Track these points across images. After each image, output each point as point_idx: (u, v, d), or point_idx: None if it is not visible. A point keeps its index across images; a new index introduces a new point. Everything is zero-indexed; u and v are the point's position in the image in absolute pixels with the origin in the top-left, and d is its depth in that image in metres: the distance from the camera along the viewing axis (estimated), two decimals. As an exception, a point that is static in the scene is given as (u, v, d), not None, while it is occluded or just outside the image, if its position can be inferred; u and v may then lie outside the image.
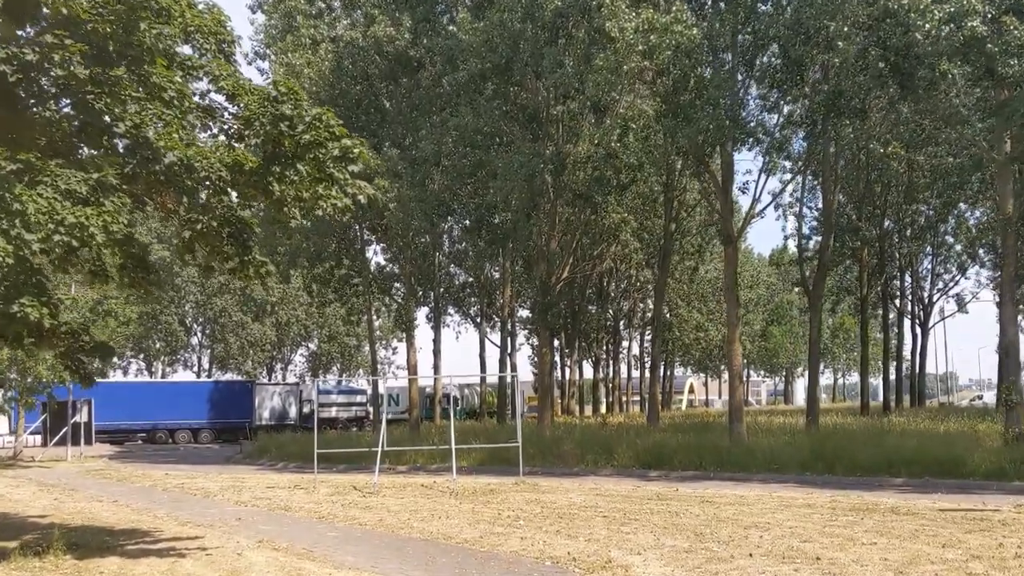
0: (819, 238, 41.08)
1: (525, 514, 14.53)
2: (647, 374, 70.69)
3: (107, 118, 11.14)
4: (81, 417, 37.11)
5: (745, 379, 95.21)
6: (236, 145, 11.69)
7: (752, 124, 24.96)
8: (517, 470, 25.73)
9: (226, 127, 11.44)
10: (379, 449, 19.94)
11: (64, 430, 36.86)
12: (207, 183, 11.73)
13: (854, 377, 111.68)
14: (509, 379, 48.41)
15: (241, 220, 12.94)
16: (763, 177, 28.31)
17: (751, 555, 10.32)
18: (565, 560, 10.48)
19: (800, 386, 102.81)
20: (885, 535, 11.53)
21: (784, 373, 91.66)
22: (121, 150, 11.15)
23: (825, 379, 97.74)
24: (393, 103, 35.39)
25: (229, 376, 71.63)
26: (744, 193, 30.91)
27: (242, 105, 11.05)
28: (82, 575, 10.38)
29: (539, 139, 30.28)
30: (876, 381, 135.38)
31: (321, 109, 11.15)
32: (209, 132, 11.88)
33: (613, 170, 30.53)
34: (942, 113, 24.71)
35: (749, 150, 27.99)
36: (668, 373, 71.78)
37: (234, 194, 12.96)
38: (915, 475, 20.59)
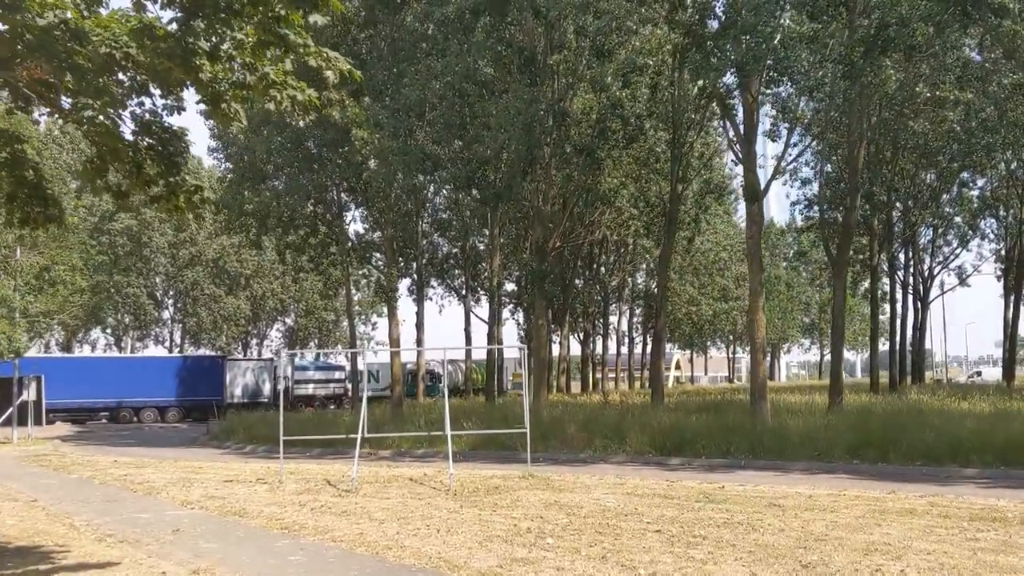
0: (821, 208, 37.65)
1: (549, 525, 10.91)
2: (636, 350, 67.54)
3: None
4: (29, 395, 33.05)
5: (732, 355, 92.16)
6: (148, 5, 7.88)
7: (789, 58, 21.19)
8: (516, 456, 22.19)
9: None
10: (359, 435, 16.21)
11: (9, 411, 32.79)
12: (110, 63, 7.94)
13: (849, 354, 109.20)
14: (497, 354, 44.83)
15: (166, 129, 9.17)
16: (788, 127, 24.85)
17: (919, 609, 6.76)
18: (636, 614, 6.89)
19: (783, 363, 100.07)
20: (1078, 568, 8.02)
21: (770, 350, 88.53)
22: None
23: (811, 355, 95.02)
24: (373, 54, 31.40)
25: (203, 351, 67.58)
26: (775, 141, 27.03)
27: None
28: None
29: (537, 84, 26.50)
30: (856, 358, 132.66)
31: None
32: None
33: (620, 120, 26.85)
34: (1006, 46, 21.20)
35: (769, 95, 24.38)
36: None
37: (157, 94, 9.24)
38: (988, 464, 17.28)
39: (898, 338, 51.01)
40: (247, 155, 32.41)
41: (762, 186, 24.42)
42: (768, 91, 23.51)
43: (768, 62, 20.38)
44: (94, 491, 16.46)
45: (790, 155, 29.26)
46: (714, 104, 29.12)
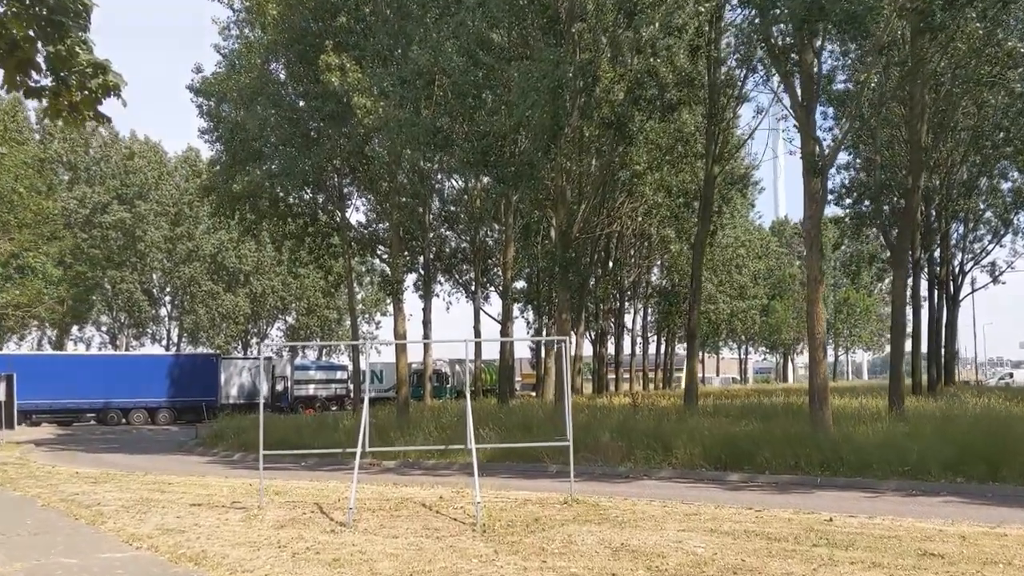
0: (878, 189, 33.96)
1: (633, 591, 7.40)
2: (651, 349, 63.97)
3: None
4: (-1, 395, 29.63)
5: (744, 356, 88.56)
6: None
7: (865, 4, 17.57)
8: (543, 469, 18.90)
9: None
10: (357, 449, 12.64)
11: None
12: None
13: (857, 355, 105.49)
14: (510, 353, 41.31)
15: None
16: (854, 93, 21.34)
17: None
18: None
19: (800, 363, 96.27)
20: None
21: (783, 350, 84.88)
22: None
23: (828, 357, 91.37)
24: (378, 20, 27.83)
25: (202, 350, 64.04)
26: (840, 108, 23.29)
27: None
28: None
29: (563, 45, 23.00)
30: (859, 359, 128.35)
31: None
32: None
33: (658, 87, 23.39)
34: None
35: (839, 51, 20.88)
36: (670, 349, 64.94)
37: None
38: None
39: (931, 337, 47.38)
40: (239, 134, 28.92)
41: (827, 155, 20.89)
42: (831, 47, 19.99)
43: (844, 4, 16.85)
44: (28, 517, 12.93)
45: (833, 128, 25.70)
46: (760, 73, 25.77)
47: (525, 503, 12.70)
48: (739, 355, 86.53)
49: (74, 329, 63.76)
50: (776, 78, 26.96)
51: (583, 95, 23.08)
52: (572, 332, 47.58)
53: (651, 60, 24.33)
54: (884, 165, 31.31)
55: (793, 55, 19.62)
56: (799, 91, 20.41)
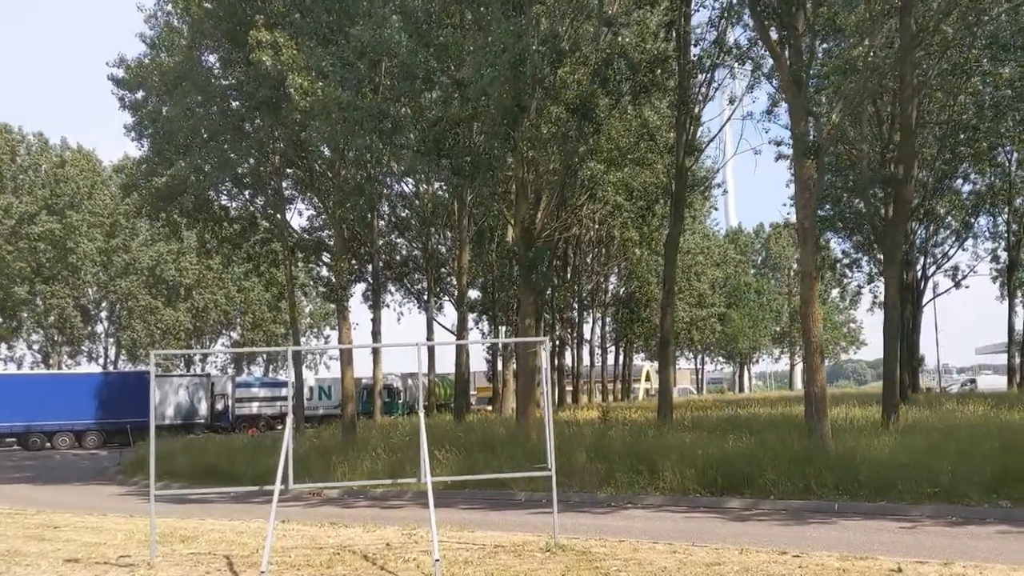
0: (864, 181, 31.57)
1: None
2: (609, 360, 61.46)
3: None
4: None
5: (700, 366, 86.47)
6: None
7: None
8: (510, 497, 16.10)
9: None
10: (276, 487, 9.58)
11: None
12: None
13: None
14: (466, 365, 38.26)
15: None
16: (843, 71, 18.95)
17: None
18: None
19: (753, 372, 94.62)
20: None
21: (739, 360, 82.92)
22: None
23: (779, 366, 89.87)
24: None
25: (141, 368, 59.86)
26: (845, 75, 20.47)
27: None
28: None
29: (523, 13, 20.29)
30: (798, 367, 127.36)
31: None
32: None
33: (629, 67, 20.80)
34: None
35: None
36: (628, 360, 62.50)
37: None
38: None
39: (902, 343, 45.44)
40: (164, 125, 25.68)
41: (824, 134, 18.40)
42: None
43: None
44: None
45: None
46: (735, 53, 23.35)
47: (496, 551, 9.78)
48: (695, 365, 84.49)
49: (3, 348, 59.32)
50: (750, 63, 24.78)
51: (547, 78, 20.36)
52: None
53: (618, 39, 21.80)
54: (856, 162, 29.17)
55: (783, 21, 17.16)
56: (788, 62, 17.99)
